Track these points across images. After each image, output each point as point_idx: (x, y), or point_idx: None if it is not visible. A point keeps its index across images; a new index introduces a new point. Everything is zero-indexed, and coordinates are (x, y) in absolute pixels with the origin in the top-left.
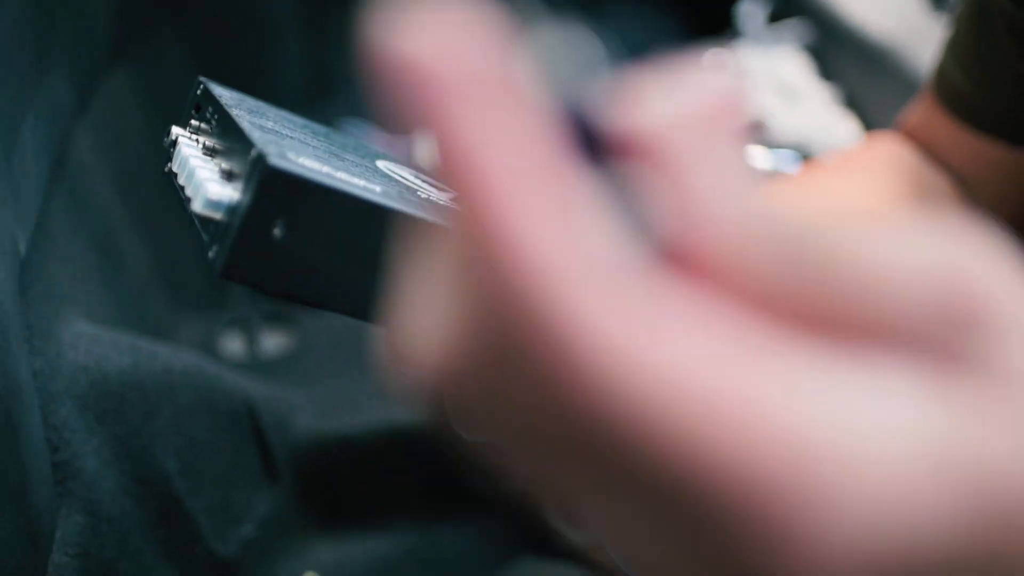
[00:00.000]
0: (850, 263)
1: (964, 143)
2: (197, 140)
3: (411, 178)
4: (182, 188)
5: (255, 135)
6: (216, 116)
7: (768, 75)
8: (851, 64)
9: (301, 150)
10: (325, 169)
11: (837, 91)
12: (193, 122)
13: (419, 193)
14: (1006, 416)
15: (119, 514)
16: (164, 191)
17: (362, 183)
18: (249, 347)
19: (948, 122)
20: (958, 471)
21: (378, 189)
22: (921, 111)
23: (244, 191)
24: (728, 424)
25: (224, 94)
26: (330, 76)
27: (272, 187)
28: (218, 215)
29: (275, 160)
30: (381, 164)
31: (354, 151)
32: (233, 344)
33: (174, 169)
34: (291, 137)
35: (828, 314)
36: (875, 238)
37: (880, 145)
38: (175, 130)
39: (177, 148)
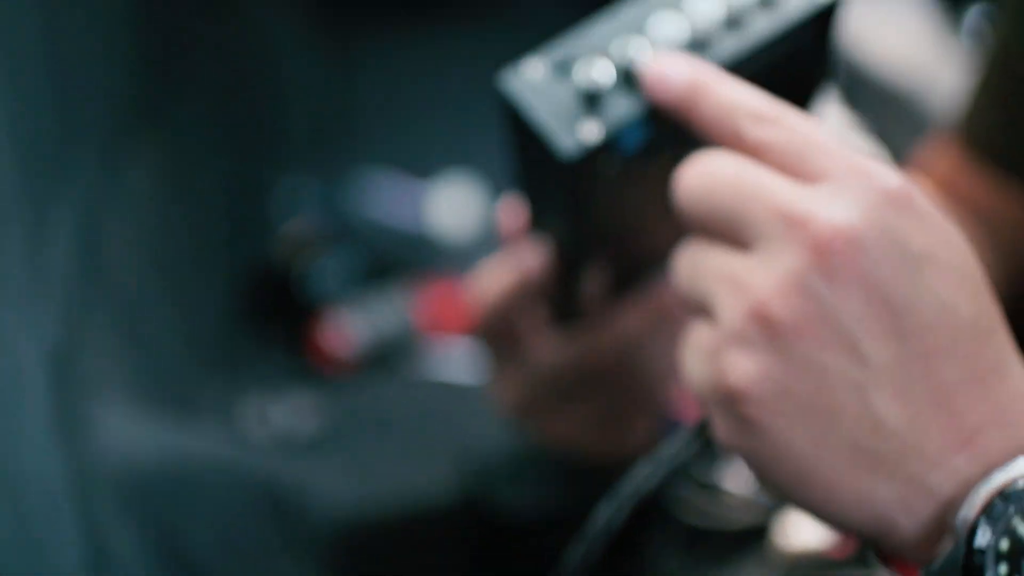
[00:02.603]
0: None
1: (1000, 192)
2: None
3: None
4: None
5: None
6: None
7: None
8: (869, 100)
9: None
10: None
11: (857, 122)
12: None
13: None
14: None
15: None
16: (190, 261)
17: None
18: (273, 421)
19: (981, 169)
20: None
21: None
22: (947, 159)
23: None
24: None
25: None
26: (346, 123)
27: None
28: None
29: None
30: None
31: None
32: (259, 418)
33: None
34: None
35: (807, 164)
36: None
37: None
38: None
39: None
